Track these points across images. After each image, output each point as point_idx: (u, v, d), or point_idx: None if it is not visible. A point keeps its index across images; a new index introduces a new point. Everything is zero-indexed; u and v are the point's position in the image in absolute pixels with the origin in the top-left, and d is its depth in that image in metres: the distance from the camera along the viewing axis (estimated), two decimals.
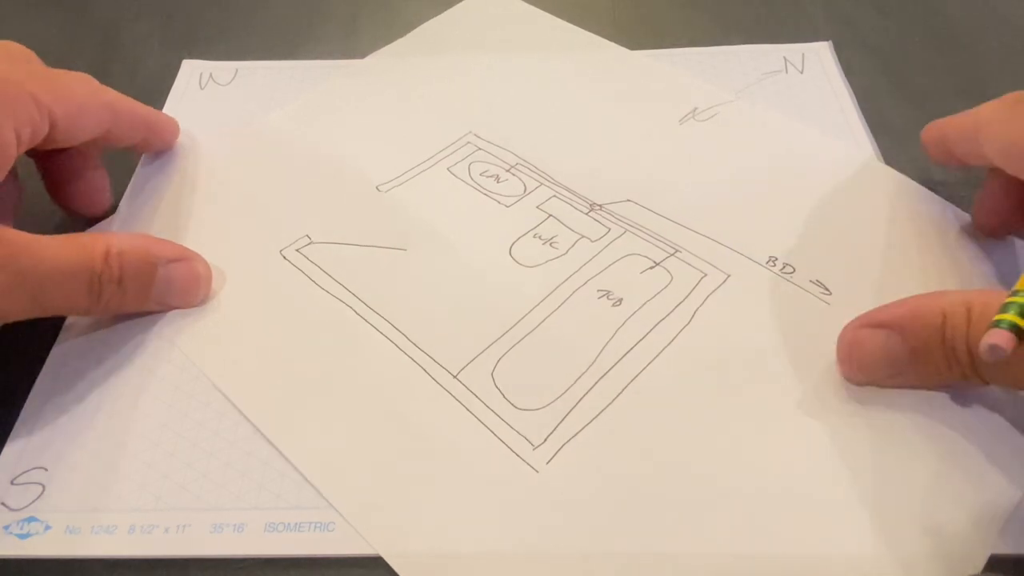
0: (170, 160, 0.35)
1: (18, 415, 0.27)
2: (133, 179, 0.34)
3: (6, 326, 0.26)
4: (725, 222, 0.32)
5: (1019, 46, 0.39)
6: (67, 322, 0.29)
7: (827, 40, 0.39)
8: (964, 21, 0.40)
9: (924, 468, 0.24)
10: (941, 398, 0.26)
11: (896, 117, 0.33)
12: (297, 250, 0.31)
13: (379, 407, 0.27)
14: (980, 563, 0.23)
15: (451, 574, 0.23)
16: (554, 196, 0.33)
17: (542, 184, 0.34)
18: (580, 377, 0.27)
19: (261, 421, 0.26)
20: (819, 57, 0.39)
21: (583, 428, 0.26)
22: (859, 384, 0.26)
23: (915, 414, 0.26)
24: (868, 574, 0.23)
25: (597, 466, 0.25)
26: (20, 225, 0.25)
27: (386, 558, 0.23)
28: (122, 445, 0.26)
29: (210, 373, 0.28)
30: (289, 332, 0.29)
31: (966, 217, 0.31)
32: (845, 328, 0.26)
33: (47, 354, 0.28)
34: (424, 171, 0.35)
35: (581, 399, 0.26)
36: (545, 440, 0.26)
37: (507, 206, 0.33)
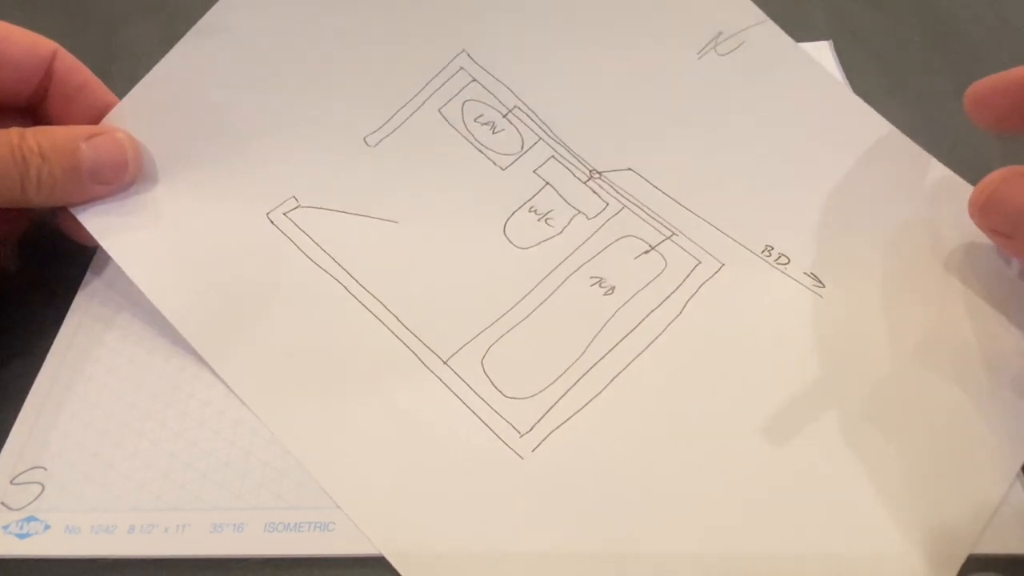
0: (148, 114, 0.31)
1: (18, 415, 0.27)
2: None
3: (6, 326, 0.26)
4: (726, 200, 0.31)
5: (1019, 46, 0.39)
6: (67, 321, 0.29)
7: (827, 40, 0.39)
8: (964, 21, 0.40)
9: (905, 467, 0.24)
10: (927, 397, 0.26)
11: (896, 117, 0.33)
12: (284, 213, 0.30)
13: (367, 389, 0.27)
14: (958, 563, 0.23)
15: (433, 557, 0.23)
16: (552, 157, 0.32)
17: (540, 140, 0.32)
18: (569, 367, 0.27)
19: (250, 399, 0.26)
20: (819, 57, 0.39)
21: (570, 418, 0.26)
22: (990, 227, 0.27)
23: (900, 414, 0.26)
24: (843, 572, 0.23)
25: (582, 456, 0.25)
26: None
27: (364, 532, 0.24)
28: (122, 445, 0.26)
29: (199, 346, 0.27)
30: (277, 305, 0.28)
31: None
32: (990, 176, 0.27)
33: (47, 354, 0.28)
34: (414, 113, 0.32)
35: (569, 389, 0.27)
36: (532, 428, 0.26)
37: (503, 168, 0.31)
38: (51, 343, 0.29)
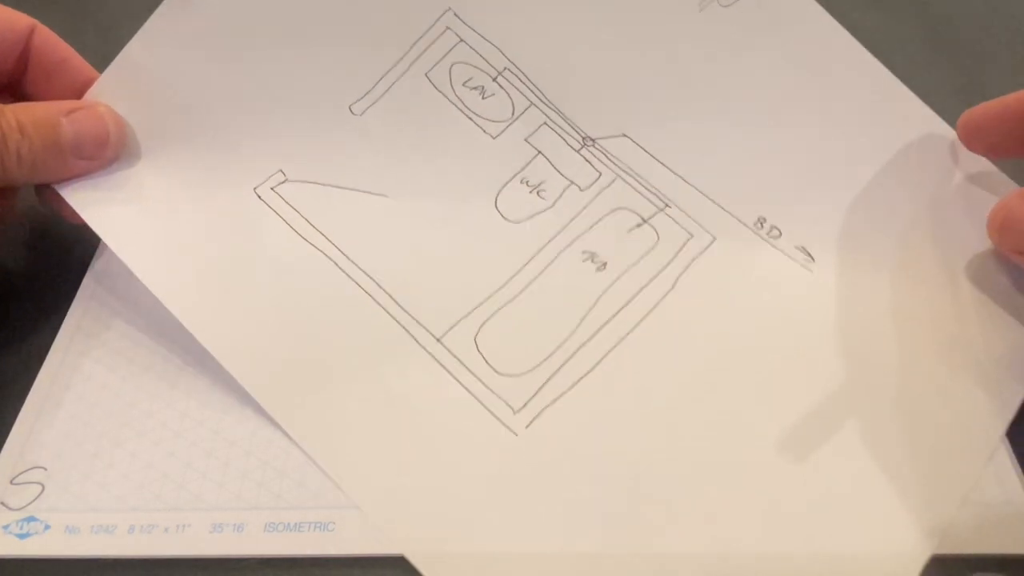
0: (129, 87, 0.30)
1: (17, 415, 0.27)
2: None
3: (6, 326, 0.26)
4: (721, 170, 0.30)
5: (1019, 46, 0.39)
6: (66, 322, 0.29)
7: None
8: (964, 21, 0.40)
9: (885, 455, 0.25)
10: (912, 382, 0.26)
11: None
12: (272, 188, 0.29)
13: (359, 367, 0.27)
14: (919, 565, 0.23)
15: (428, 534, 0.24)
16: (545, 124, 0.31)
17: (532, 104, 0.31)
18: (562, 344, 0.27)
19: (240, 375, 0.26)
20: None
21: (563, 394, 0.26)
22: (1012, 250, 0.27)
23: (884, 398, 0.26)
24: (806, 571, 0.23)
25: (576, 432, 0.25)
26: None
27: (358, 503, 0.24)
28: (122, 445, 0.26)
29: (186, 321, 0.27)
30: (267, 282, 0.28)
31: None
32: (1006, 197, 0.27)
33: (47, 354, 0.28)
34: (399, 78, 0.31)
35: (562, 366, 0.27)
36: (525, 405, 0.26)
37: (494, 136, 0.31)
38: (51, 343, 0.28)
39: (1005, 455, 0.25)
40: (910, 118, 0.31)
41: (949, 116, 0.35)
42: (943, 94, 0.37)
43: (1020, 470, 0.25)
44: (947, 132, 0.30)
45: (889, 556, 0.23)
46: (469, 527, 0.24)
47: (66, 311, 0.29)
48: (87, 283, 0.30)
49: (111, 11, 0.43)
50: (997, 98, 0.28)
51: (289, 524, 0.24)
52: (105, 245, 0.29)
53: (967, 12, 0.41)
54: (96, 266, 0.31)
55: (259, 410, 0.26)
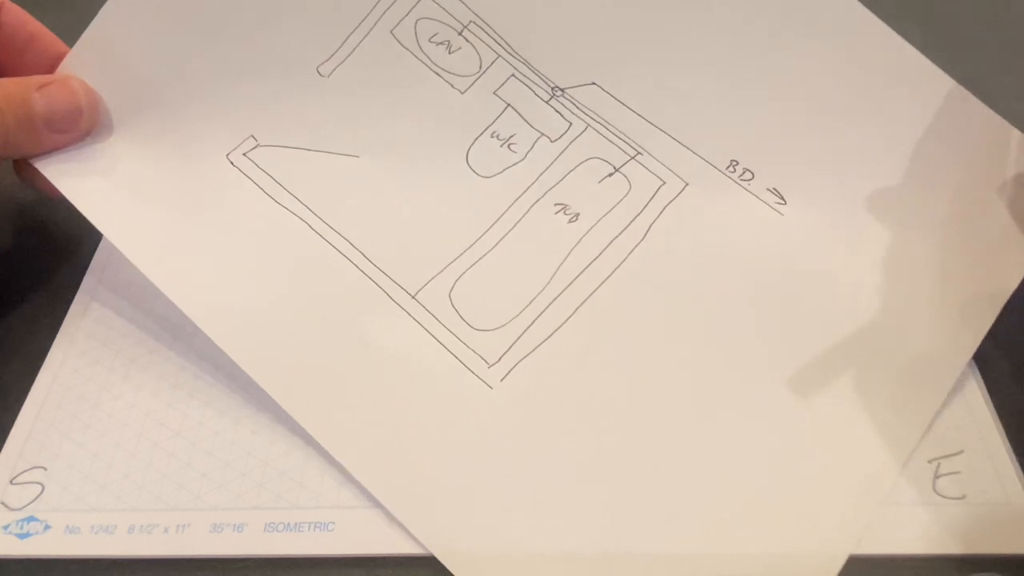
0: (100, 60, 0.30)
1: (18, 415, 0.27)
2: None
3: (6, 326, 0.26)
4: (693, 114, 0.30)
5: (1019, 46, 0.39)
6: (66, 322, 0.29)
7: None
8: (964, 21, 0.40)
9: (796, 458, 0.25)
10: (872, 332, 0.26)
11: None
12: (244, 154, 0.30)
13: (336, 326, 0.27)
14: (838, 565, 0.23)
15: (407, 487, 0.24)
16: (512, 76, 0.30)
17: (499, 57, 0.30)
18: (535, 298, 0.27)
19: (222, 341, 0.26)
20: None
21: (537, 347, 0.27)
22: None
23: (846, 352, 0.26)
24: (726, 570, 0.23)
25: (550, 385, 0.26)
26: None
27: (335, 456, 0.24)
28: (122, 445, 0.26)
29: (166, 290, 0.27)
30: (242, 248, 0.28)
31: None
32: None
33: (47, 354, 0.28)
34: (365, 37, 0.30)
35: (536, 319, 0.27)
36: (500, 359, 0.26)
37: (461, 91, 0.30)
38: (51, 343, 0.28)
39: (1005, 455, 0.25)
40: (886, 53, 0.30)
41: None
42: None
43: (1020, 470, 0.25)
44: (926, 66, 0.29)
45: (811, 554, 0.23)
46: (446, 480, 0.24)
47: (66, 311, 0.29)
48: (87, 283, 0.30)
49: None
50: None
51: (289, 524, 0.24)
52: (105, 245, 0.28)
53: (967, 12, 0.41)
54: (96, 266, 0.31)
55: (259, 410, 0.26)
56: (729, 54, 0.30)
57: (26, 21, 0.30)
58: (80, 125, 0.29)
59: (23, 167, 0.29)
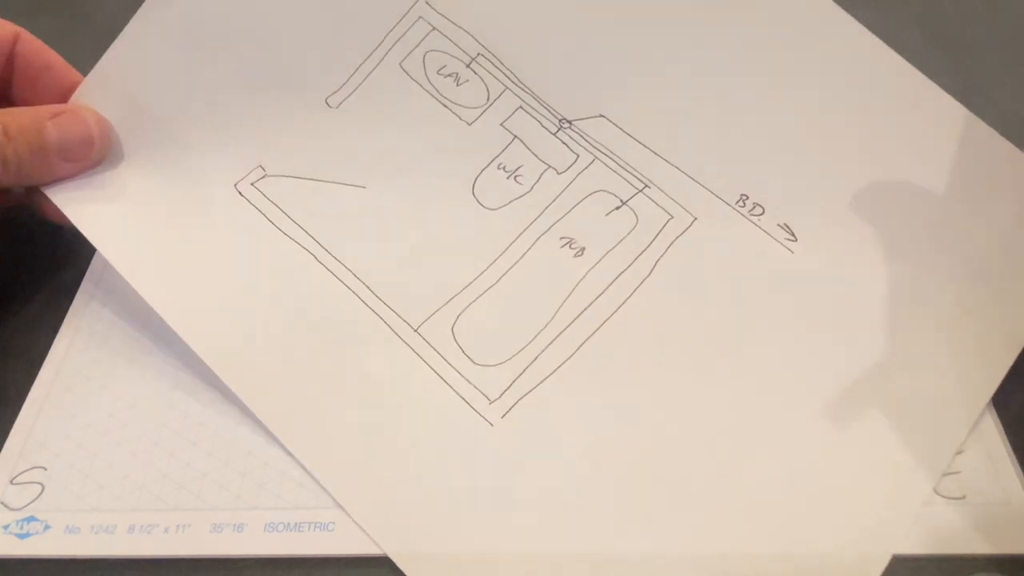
0: (112, 90, 0.30)
1: (18, 415, 0.27)
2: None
3: (6, 326, 0.26)
4: (702, 147, 0.30)
5: (1019, 46, 0.39)
6: (66, 322, 0.29)
7: None
8: (964, 21, 0.40)
9: (835, 463, 0.25)
10: (889, 363, 0.26)
11: None
12: (252, 184, 0.30)
13: (338, 358, 0.27)
14: (882, 565, 0.23)
15: (405, 522, 0.24)
16: (520, 107, 0.30)
17: (507, 89, 0.31)
18: (539, 334, 0.27)
19: (221, 371, 0.26)
20: None
21: (539, 384, 0.26)
22: None
23: (863, 384, 0.26)
24: (767, 571, 0.23)
25: (550, 423, 0.26)
26: None
27: (336, 498, 0.24)
28: (122, 445, 0.26)
29: (168, 318, 0.27)
30: (249, 278, 0.28)
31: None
32: None
33: (47, 354, 0.28)
34: (374, 69, 0.31)
35: (538, 356, 0.27)
36: (501, 395, 0.26)
37: (469, 123, 0.30)
38: (51, 343, 0.29)
39: (1005, 455, 0.25)
40: (898, 83, 0.29)
41: None
42: None
43: (1020, 470, 0.25)
44: (944, 98, 0.29)
45: (854, 555, 0.23)
46: (444, 516, 0.24)
47: (66, 311, 0.29)
48: (87, 283, 0.30)
49: (111, 11, 0.43)
50: None
51: (289, 524, 0.24)
52: None
53: (967, 12, 0.41)
54: (96, 266, 0.31)
55: None
56: (739, 88, 0.30)
57: (41, 51, 0.30)
58: (91, 155, 0.29)
59: (33, 194, 0.29)
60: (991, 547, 0.23)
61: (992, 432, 0.26)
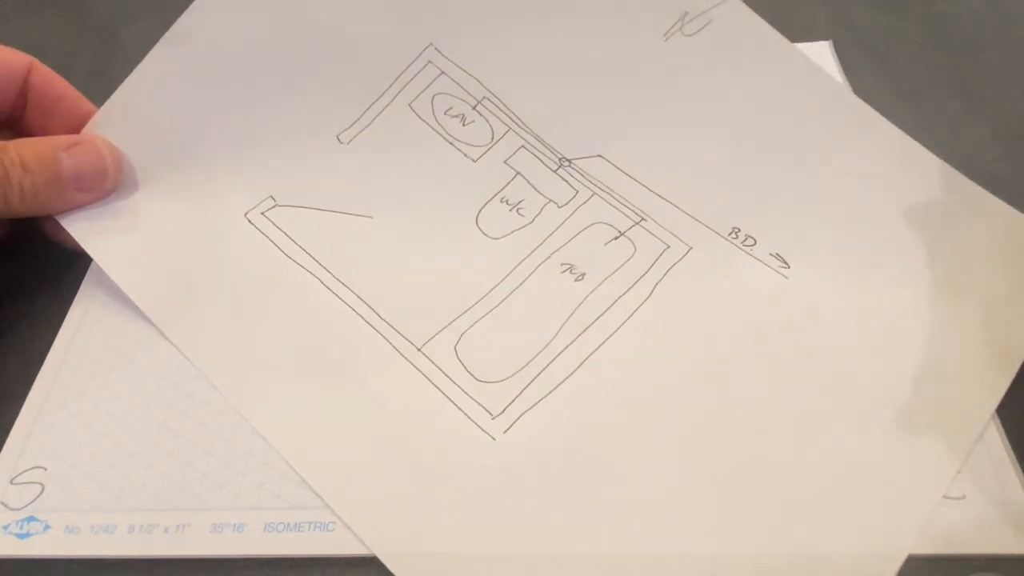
0: (126, 121, 0.31)
1: (18, 415, 0.27)
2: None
3: (6, 326, 0.26)
4: (694, 185, 0.31)
5: (1019, 46, 0.39)
6: (66, 321, 0.29)
7: (827, 40, 0.39)
8: (964, 21, 0.40)
9: (845, 463, 0.25)
10: (885, 385, 0.26)
11: (896, 117, 0.33)
12: (262, 213, 0.31)
13: (343, 377, 0.27)
14: (897, 564, 0.23)
15: (409, 537, 0.24)
16: (522, 147, 0.32)
17: (510, 130, 0.32)
18: (540, 351, 0.28)
19: (231, 394, 0.27)
20: (819, 57, 0.39)
21: (540, 400, 0.26)
22: None
23: (860, 401, 0.26)
24: (778, 571, 0.23)
25: (552, 437, 0.26)
26: None
27: (340, 516, 0.24)
28: (122, 445, 0.26)
29: (179, 343, 0.28)
30: (258, 303, 0.29)
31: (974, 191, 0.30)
32: None
33: (47, 354, 0.28)
34: (384, 109, 0.32)
35: (540, 373, 0.27)
36: (503, 411, 0.26)
37: (474, 160, 0.32)
38: (51, 343, 0.29)
39: (1005, 455, 0.25)
40: (868, 129, 0.32)
41: (949, 116, 0.35)
42: (943, 94, 0.37)
43: (1020, 470, 0.25)
44: (906, 142, 0.31)
45: (868, 556, 0.23)
46: (448, 531, 0.24)
47: (66, 311, 0.29)
48: (87, 283, 0.30)
49: (111, 11, 0.43)
50: None
51: (289, 524, 0.24)
52: None
53: (967, 12, 0.41)
54: (96, 267, 0.31)
55: None
56: (726, 132, 0.32)
57: (54, 82, 0.31)
58: (105, 184, 0.30)
59: (47, 222, 0.30)
60: (991, 547, 0.23)
61: (992, 432, 0.25)
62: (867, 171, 0.31)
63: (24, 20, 0.41)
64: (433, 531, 0.24)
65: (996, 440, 0.25)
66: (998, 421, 0.26)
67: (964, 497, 0.24)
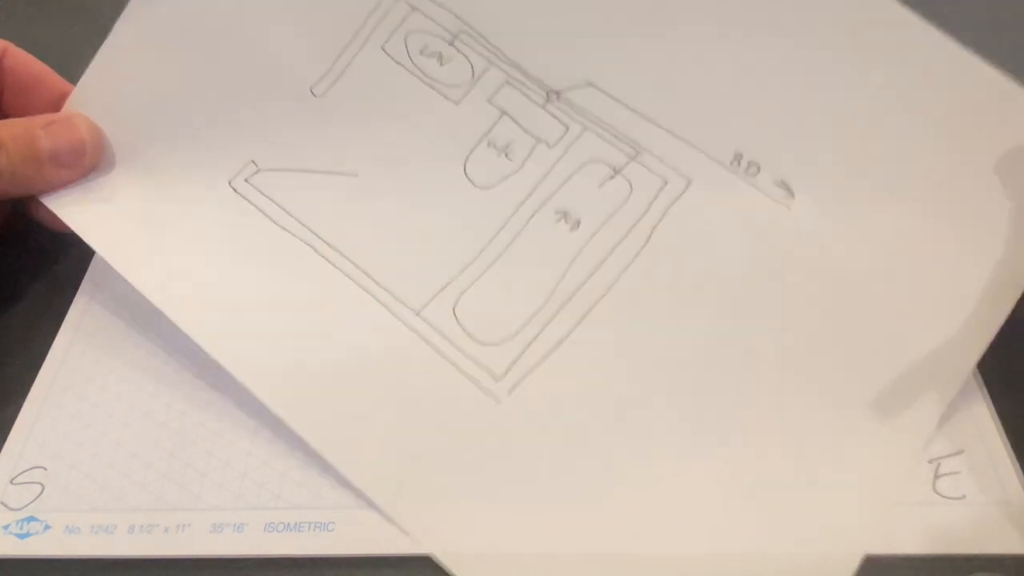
0: (102, 97, 0.31)
1: (18, 415, 0.27)
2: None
3: (6, 326, 0.26)
4: (693, 106, 0.29)
5: (1019, 46, 0.39)
6: (66, 321, 0.29)
7: None
8: (964, 21, 0.40)
9: (811, 457, 0.25)
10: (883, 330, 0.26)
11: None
12: (246, 180, 0.30)
13: (342, 348, 0.27)
14: (854, 564, 0.23)
15: (418, 501, 0.24)
16: (506, 82, 0.30)
17: (491, 65, 0.30)
18: (540, 309, 0.27)
19: (234, 367, 0.26)
20: None
21: (544, 359, 0.26)
22: None
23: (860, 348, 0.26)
24: (739, 570, 0.23)
25: (558, 396, 0.26)
26: None
27: (348, 477, 0.24)
28: (122, 445, 0.26)
29: (173, 316, 0.27)
30: (251, 275, 0.28)
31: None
32: None
33: (47, 354, 0.28)
34: (356, 55, 0.30)
35: (541, 331, 0.27)
36: (507, 372, 0.26)
37: (456, 102, 0.30)
38: (51, 343, 0.29)
39: (1005, 455, 0.25)
40: (900, 30, 0.28)
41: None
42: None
43: (1020, 470, 0.25)
44: (941, 41, 0.28)
45: (825, 554, 0.23)
46: (457, 494, 0.24)
47: (66, 311, 0.29)
48: (87, 283, 0.30)
49: (111, 11, 0.43)
50: None
51: (289, 524, 0.24)
52: None
53: (967, 12, 0.41)
54: (96, 266, 0.31)
55: (259, 410, 0.26)
56: (727, 42, 0.29)
57: (30, 64, 0.31)
58: (84, 161, 0.29)
59: (31, 203, 0.29)
60: (991, 547, 0.23)
61: (992, 432, 0.25)
62: (892, 84, 0.28)
63: (24, 20, 0.41)
64: (443, 495, 0.24)
65: (996, 440, 0.25)
66: (998, 421, 0.26)
67: (964, 497, 0.24)
